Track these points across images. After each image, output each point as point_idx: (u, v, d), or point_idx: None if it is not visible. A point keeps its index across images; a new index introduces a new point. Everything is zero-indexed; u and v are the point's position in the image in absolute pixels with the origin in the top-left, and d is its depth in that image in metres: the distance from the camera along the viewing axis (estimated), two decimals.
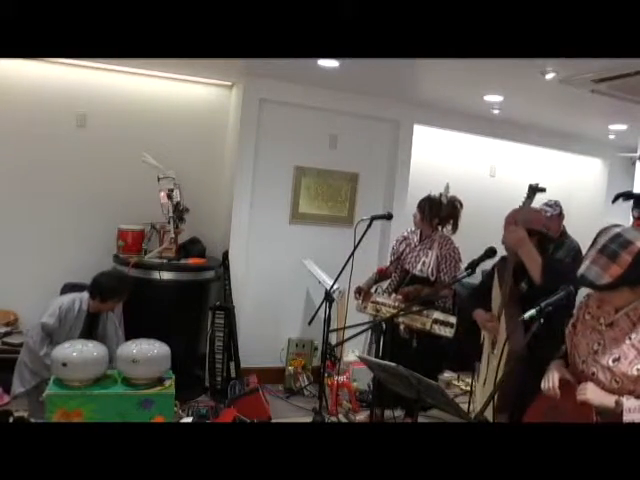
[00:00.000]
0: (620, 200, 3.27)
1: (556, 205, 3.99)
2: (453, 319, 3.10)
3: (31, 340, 3.21)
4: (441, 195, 3.56)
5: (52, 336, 3.22)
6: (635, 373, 1.74)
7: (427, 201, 3.55)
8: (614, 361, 1.78)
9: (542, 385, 1.96)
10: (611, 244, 1.74)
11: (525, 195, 2.60)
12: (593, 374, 1.84)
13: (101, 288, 3.28)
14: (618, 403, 1.72)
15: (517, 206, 2.71)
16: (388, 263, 3.89)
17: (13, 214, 3.99)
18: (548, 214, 3.89)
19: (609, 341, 1.83)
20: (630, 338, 1.79)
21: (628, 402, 1.70)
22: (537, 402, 2.03)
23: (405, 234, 3.76)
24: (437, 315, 3.14)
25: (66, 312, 3.25)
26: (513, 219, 2.63)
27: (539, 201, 3.85)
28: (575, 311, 2.06)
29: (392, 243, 3.90)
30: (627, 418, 1.68)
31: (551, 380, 1.93)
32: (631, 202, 3.25)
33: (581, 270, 1.80)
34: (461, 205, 3.57)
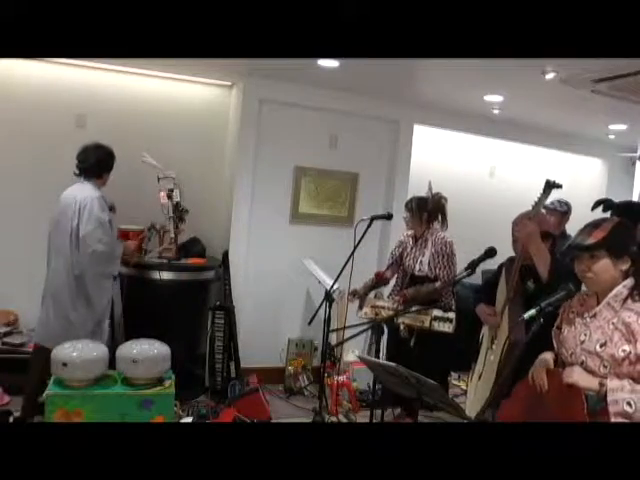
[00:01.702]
0: (613, 190, 3.28)
1: (565, 204, 4.02)
2: (452, 314, 3.16)
3: (101, 245, 3.15)
4: (426, 193, 3.67)
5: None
6: (621, 354, 1.80)
7: (413, 200, 3.67)
8: (601, 346, 1.85)
9: (529, 375, 2.05)
10: (594, 221, 2.00)
11: (540, 191, 2.60)
12: (582, 363, 1.90)
13: (101, 163, 3.31)
14: (602, 384, 1.79)
15: (516, 206, 2.73)
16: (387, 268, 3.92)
17: (13, 214, 3.98)
18: (552, 206, 3.92)
19: (594, 330, 1.91)
20: (613, 323, 1.86)
21: (611, 383, 1.78)
22: (519, 388, 2.11)
23: (402, 239, 3.84)
24: (436, 312, 3.20)
25: (103, 201, 3.25)
26: (526, 216, 2.64)
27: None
28: (559, 314, 2.12)
29: (391, 244, 3.94)
30: (611, 398, 1.75)
31: (538, 370, 2.03)
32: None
33: (570, 241, 2.02)
34: (446, 200, 3.66)
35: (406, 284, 3.66)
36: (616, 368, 1.81)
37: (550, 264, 2.52)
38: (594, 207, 3.25)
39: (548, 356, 2.07)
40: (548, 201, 4.01)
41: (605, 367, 1.83)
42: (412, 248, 3.67)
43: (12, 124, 3.95)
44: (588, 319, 1.95)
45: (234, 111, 4.41)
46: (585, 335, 1.93)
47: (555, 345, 2.10)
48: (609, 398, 1.75)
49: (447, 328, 3.14)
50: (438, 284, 3.48)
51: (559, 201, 4.00)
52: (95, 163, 3.33)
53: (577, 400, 1.82)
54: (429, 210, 3.61)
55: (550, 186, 2.56)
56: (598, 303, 1.95)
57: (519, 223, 2.66)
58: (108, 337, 3.41)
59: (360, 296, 3.61)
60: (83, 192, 3.26)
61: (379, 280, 3.79)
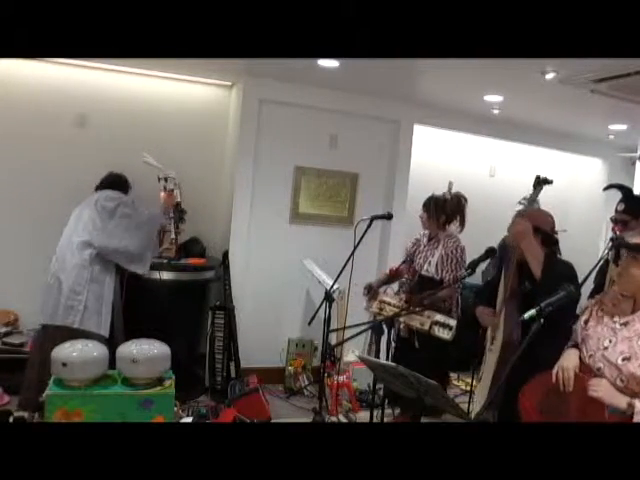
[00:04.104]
0: (612, 191, 3.25)
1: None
2: (453, 322, 3.09)
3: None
4: (445, 193, 3.60)
5: None
6: None
7: (431, 200, 3.60)
8: (623, 360, 1.79)
9: (555, 371, 1.97)
10: None
11: (532, 188, 2.59)
12: (599, 369, 1.85)
13: (122, 182, 3.77)
14: (630, 405, 1.72)
15: (515, 206, 2.72)
16: (392, 263, 3.91)
17: (13, 214, 3.99)
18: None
19: (621, 339, 1.84)
20: None
21: None
22: (537, 381, 2.05)
23: (418, 236, 3.79)
24: (438, 317, 3.14)
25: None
26: (519, 214, 2.63)
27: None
28: (589, 307, 2.07)
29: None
30: (638, 419, 1.69)
31: (566, 370, 1.93)
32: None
33: (618, 237, 1.93)
34: (465, 200, 3.60)
35: (414, 283, 3.63)
36: (634, 386, 1.75)
37: (544, 262, 2.50)
38: (606, 188, 3.24)
39: (576, 357, 1.99)
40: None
41: (622, 381, 1.78)
42: (424, 247, 3.64)
43: (12, 124, 3.95)
44: (618, 325, 1.88)
45: (234, 111, 4.41)
46: (610, 342, 1.86)
47: (579, 339, 2.04)
48: (636, 418, 1.69)
49: (445, 335, 3.07)
50: (442, 293, 3.39)
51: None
52: (108, 184, 3.71)
53: (599, 415, 1.76)
54: (447, 212, 3.54)
55: (540, 182, 2.55)
56: (634, 310, 1.88)
57: (512, 221, 2.66)
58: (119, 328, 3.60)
59: (374, 291, 3.60)
60: (99, 193, 3.61)
61: (392, 275, 3.76)
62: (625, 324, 1.86)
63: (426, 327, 3.14)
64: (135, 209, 3.58)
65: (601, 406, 1.76)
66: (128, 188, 3.81)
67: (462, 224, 3.58)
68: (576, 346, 2.07)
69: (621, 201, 3.09)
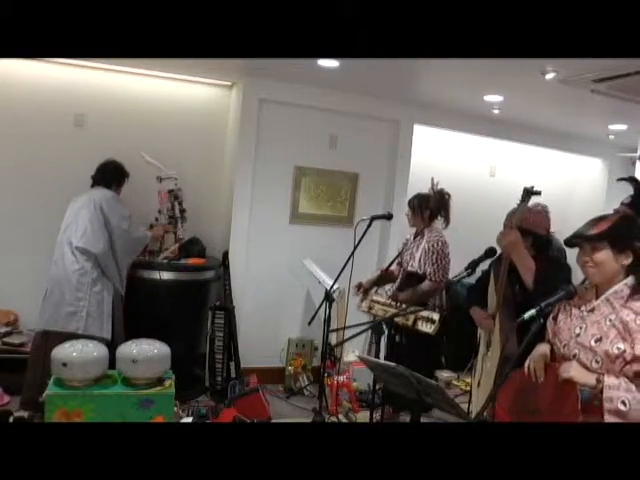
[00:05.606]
0: (613, 190, 3.22)
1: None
2: (436, 316, 3.03)
3: (130, 228, 3.64)
4: (429, 190, 3.61)
5: None
6: (615, 352, 1.79)
7: (415, 197, 3.64)
8: (596, 341, 1.85)
9: (526, 365, 2.05)
10: (601, 215, 2.02)
11: (520, 198, 2.60)
12: (574, 356, 1.91)
13: (118, 173, 3.73)
14: (599, 380, 1.79)
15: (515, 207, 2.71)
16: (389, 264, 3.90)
17: (13, 214, 3.99)
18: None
19: (590, 324, 1.91)
20: (610, 319, 1.86)
21: (608, 380, 1.77)
22: (506, 386, 2.08)
23: (407, 237, 3.82)
24: (422, 312, 3.09)
25: (117, 198, 3.71)
26: (507, 225, 2.63)
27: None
28: (556, 305, 2.11)
29: (391, 244, 3.92)
30: (606, 395, 1.75)
31: (537, 361, 2.03)
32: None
33: (574, 232, 2.00)
34: (449, 196, 3.60)
35: (401, 280, 3.65)
36: (608, 365, 1.80)
37: (535, 271, 2.49)
38: (618, 180, 3.22)
39: (545, 348, 2.07)
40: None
41: (597, 362, 1.83)
42: (411, 244, 3.67)
43: (12, 123, 3.95)
44: (585, 313, 1.95)
45: (234, 111, 4.41)
46: (580, 328, 1.93)
47: (550, 335, 2.10)
48: (605, 395, 1.75)
49: (428, 329, 3.01)
50: (425, 284, 3.43)
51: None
52: (102, 175, 3.70)
53: (571, 396, 1.82)
54: (431, 207, 3.57)
55: (528, 193, 2.54)
56: (597, 297, 1.95)
57: (500, 232, 2.65)
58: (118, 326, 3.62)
59: (365, 289, 3.60)
60: (97, 193, 3.60)
61: (384, 275, 3.75)
62: (592, 310, 1.94)
63: (410, 322, 3.12)
64: (130, 224, 3.63)
65: (573, 387, 1.82)
66: (125, 179, 3.80)
67: (447, 220, 3.59)
68: (547, 342, 2.13)
69: (630, 195, 3.05)
